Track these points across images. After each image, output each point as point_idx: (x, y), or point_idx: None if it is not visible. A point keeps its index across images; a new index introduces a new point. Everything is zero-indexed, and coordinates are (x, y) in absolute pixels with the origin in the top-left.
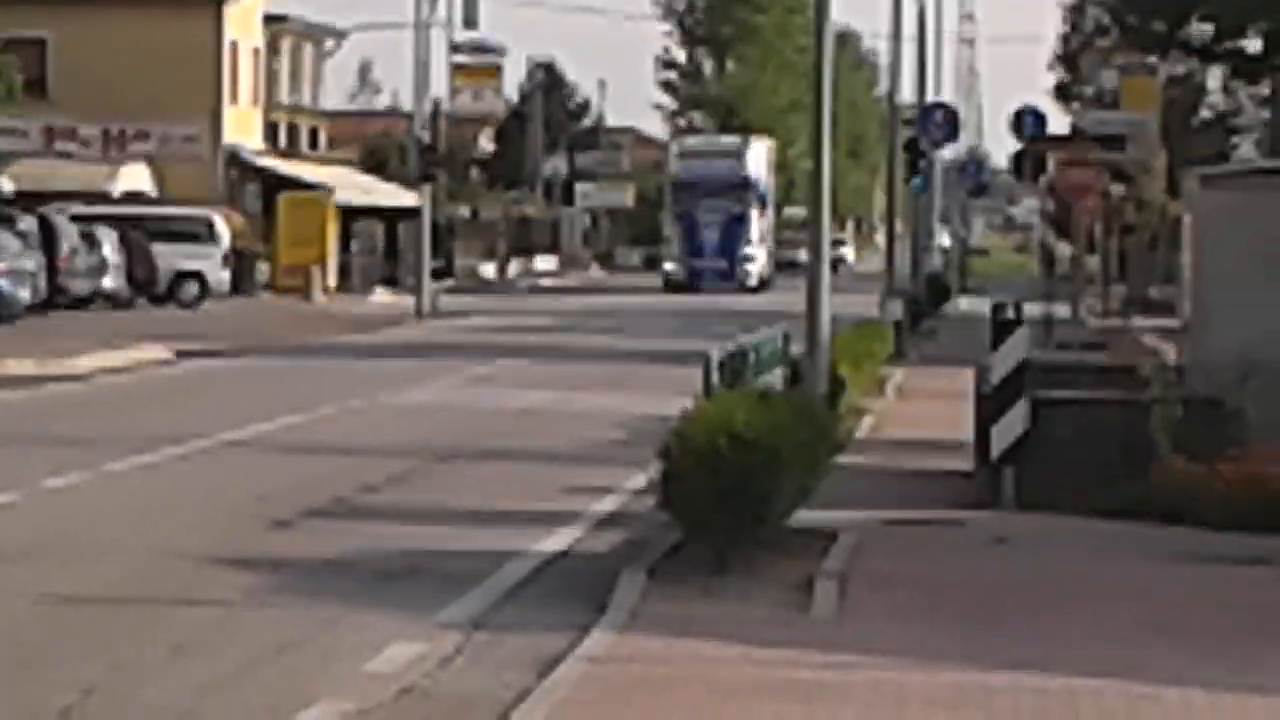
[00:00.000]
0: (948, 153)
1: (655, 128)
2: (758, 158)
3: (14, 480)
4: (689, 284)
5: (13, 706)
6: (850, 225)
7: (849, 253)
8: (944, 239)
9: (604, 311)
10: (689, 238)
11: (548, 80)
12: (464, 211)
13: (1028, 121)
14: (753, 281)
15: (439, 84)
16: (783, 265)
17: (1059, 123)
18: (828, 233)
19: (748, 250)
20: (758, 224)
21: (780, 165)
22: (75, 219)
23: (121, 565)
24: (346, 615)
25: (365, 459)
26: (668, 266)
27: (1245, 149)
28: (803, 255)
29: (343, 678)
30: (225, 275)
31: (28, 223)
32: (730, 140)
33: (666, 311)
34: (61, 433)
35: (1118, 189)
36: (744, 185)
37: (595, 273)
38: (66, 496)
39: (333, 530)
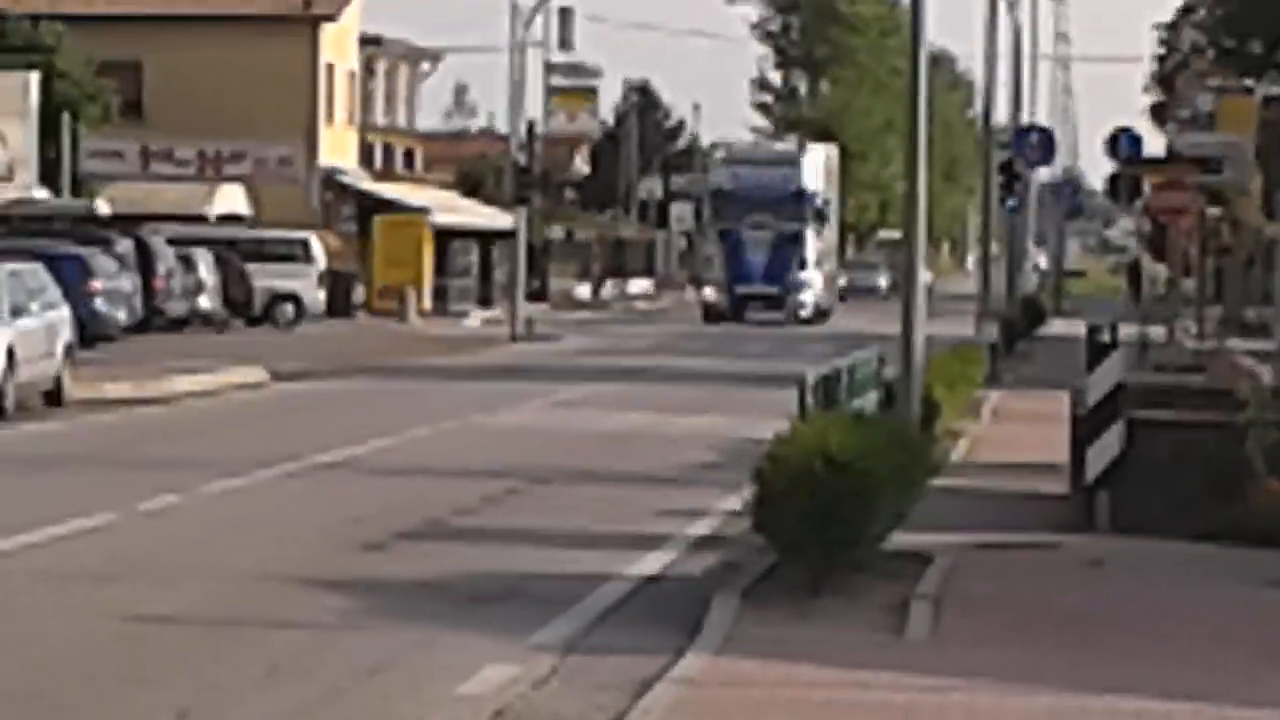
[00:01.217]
0: (1043, 174)
1: None
2: (816, 166)
3: (110, 502)
4: (731, 314)
5: None
6: (945, 248)
7: (927, 276)
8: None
9: (697, 334)
10: (732, 259)
11: (643, 102)
12: (559, 233)
13: (1123, 143)
14: (807, 311)
15: (534, 106)
16: (858, 289)
17: (1155, 144)
18: (922, 256)
19: (801, 275)
20: (814, 244)
21: (874, 186)
22: (171, 241)
23: (215, 587)
24: (439, 637)
25: (458, 481)
26: (707, 294)
27: None
28: (876, 279)
29: (435, 700)
30: (320, 297)
31: (124, 244)
32: (784, 146)
33: (757, 335)
34: (156, 455)
35: (1213, 211)
36: (799, 198)
37: (690, 295)
38: (161, 518)
39: (426, 552)
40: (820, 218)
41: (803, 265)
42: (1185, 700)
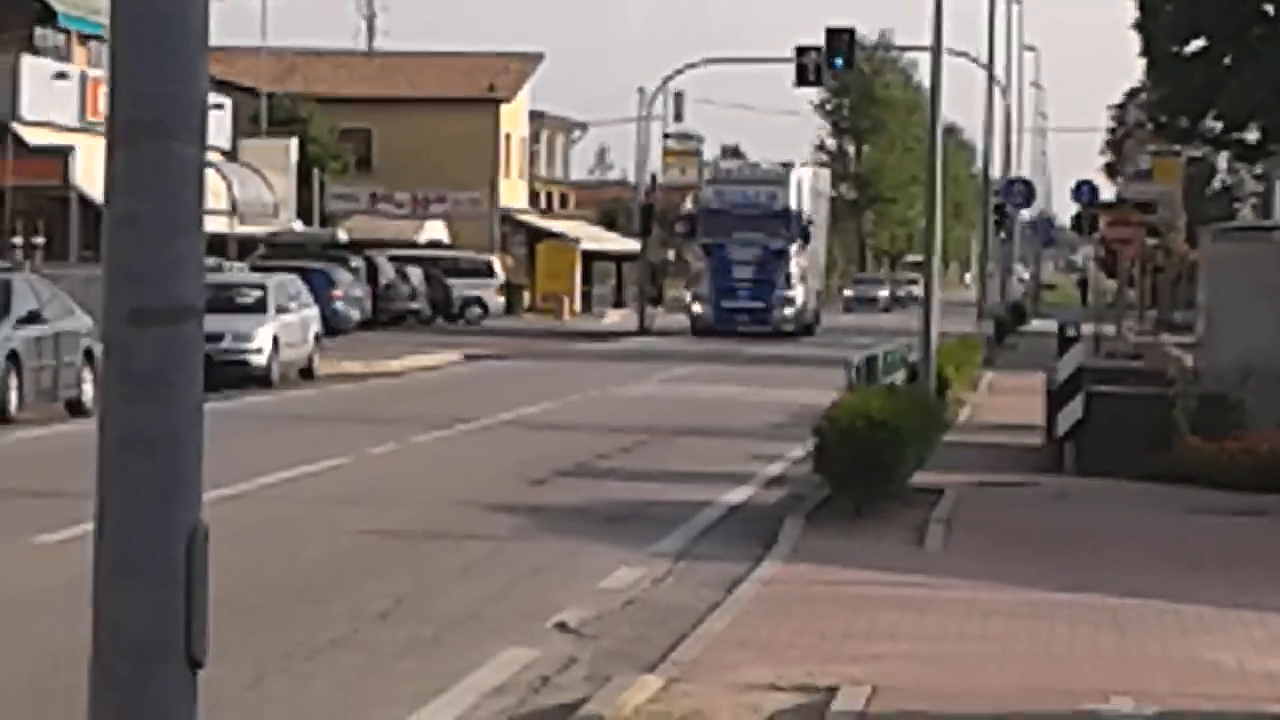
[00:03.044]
0: (1025, 214)
1: None
2: (801, 186)
3: (346, 448)
4: (719, 327)
5: (346, 608)
6: (953, 267)
7: (919, 290)
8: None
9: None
10: (719, 275)
11: (734, 159)
12: (671, 255)
13: (1084, 191)
14: (790, 325)
15: (655, 162)
16: (860, 301)
17: (1108, 192)
18: (939, 275)
19: (785, 291)
20: (797, 260)
21: (902, 223)
22: (392, 259)
23: (421, 510)
24: (584, 547)
25: (599, 434)
26: (695, 308)
27: (1245, 213)
28: (878, 292)
29: (582, 593)
30: (500, 300)
31: (357, 262)
32: (771, 166)
33: (831, 328)
34: (381, 414)
35: (1151, 241)
36: (784, 216)
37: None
38: (383, 460)
39: (575, 486)
40: (805, 235)
41: (787, 281)
42: (1131, 597)
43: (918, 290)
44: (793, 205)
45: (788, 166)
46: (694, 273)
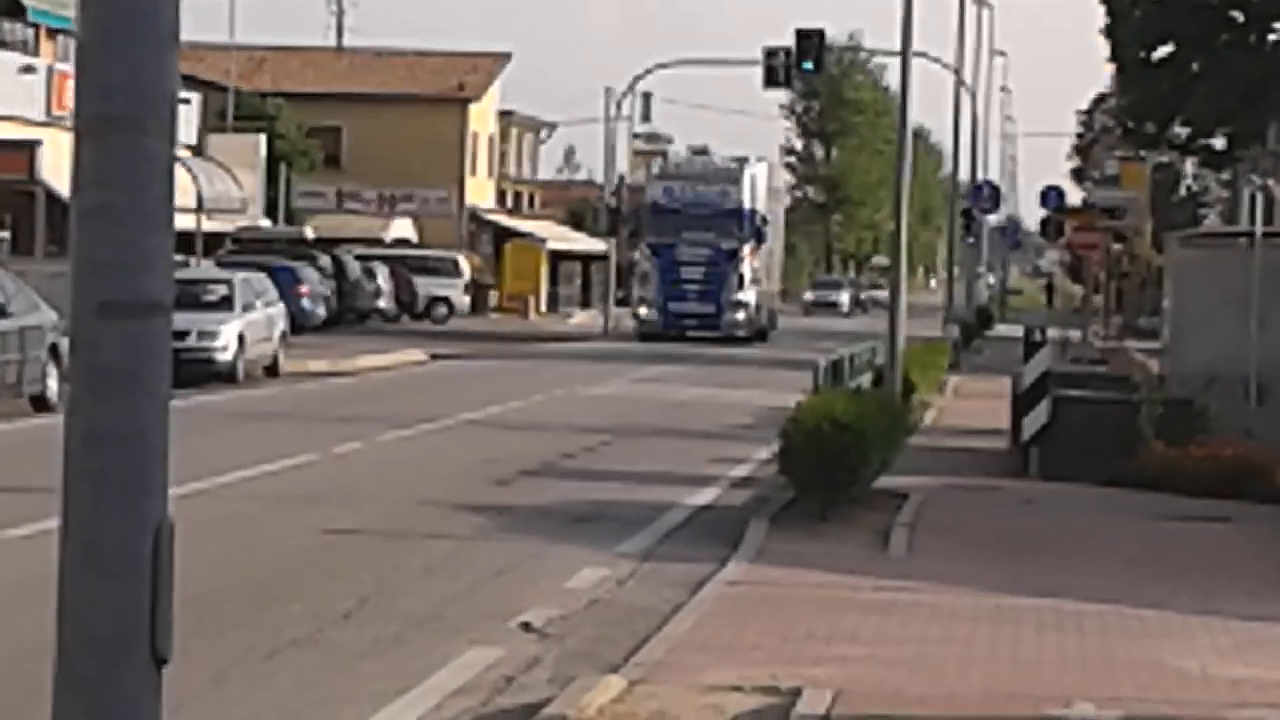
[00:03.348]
0: (993, 219)
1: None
2: (755, 183)
3: (311, 446)
4: (665, 332)
5: (309, 609)
6: (920, 271)
7: (883, 295)
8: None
9: None
10: (666, 276)
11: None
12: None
13: (1051, 196)
14: (741, 331)
15: (622, 162)
16: (820, 305)
17: (1075, 197)
18: (904, 278)
19: (738, 295)
20: (750, 261)
21: (869, 226)
22: (358, 258)
23: (385, 509)
24: (549, 547)
25: (565, 434)
26: (641, 311)
27: (1211, 219)
28: (836, 296)
29: (548, 592)
30: (466, 300)
31: (324, 260)
32: (723, 162)
33: (790, 330)
34: (346, 412)
35: (1117, 246)
36: (736, 215)
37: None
38: (348, 459)
39: (540, 486)
40: (758, 236)
41: (739, 283)
42: (1095, 602)
43: (880, 294)
44: (746, 203)
45: (741, 162)
46: (640, 274)
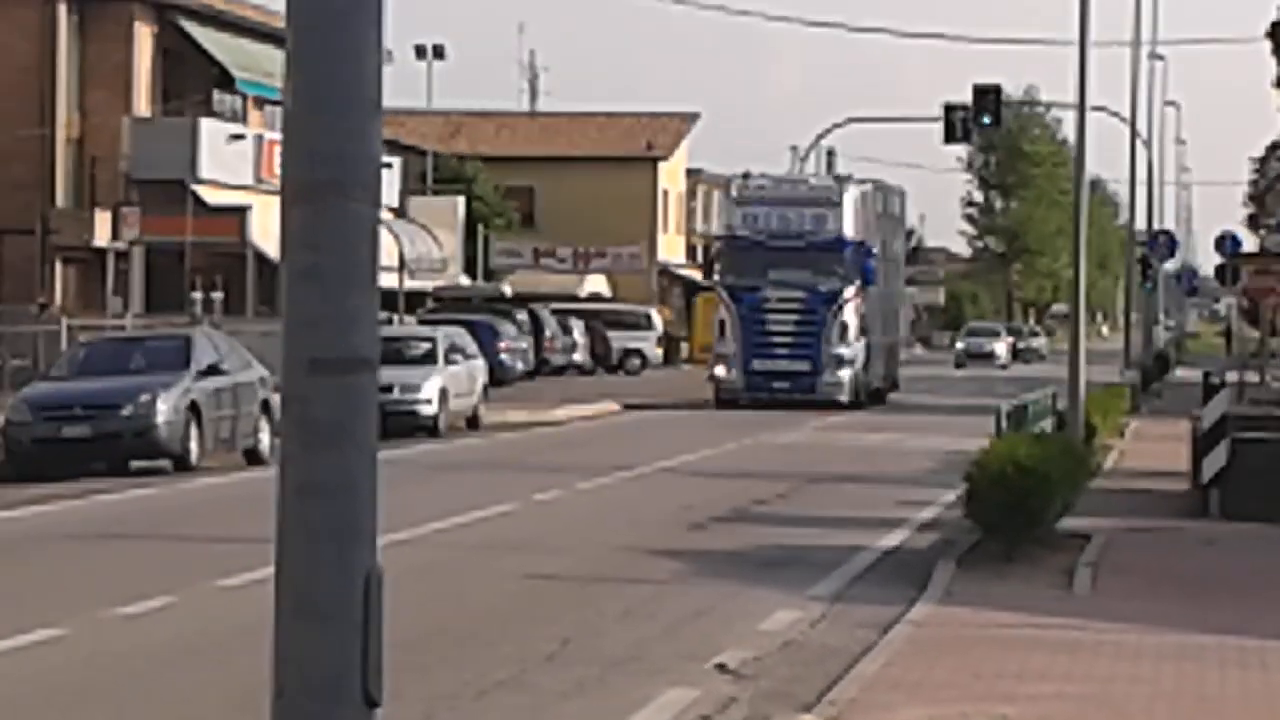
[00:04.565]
0: (1169, 265)
1: (960, 246)
2: (861, 207)
3: (512, 495)
4: (748, 396)
5: (513, 650)
6: (1098, 318)
7: (1041, 344)
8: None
9: (924, 378)
10: (749, 327)
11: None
12: None
13: (1228, 243)
14: (844, 395)
15: None
16: (974, 356)
17: (1250, 243)
18: (1084, 326)
19: (840, 350)
20: (856, 307)
21: (1049, 274)
22: (554, 313)
23: (585, 555)
24: (743, 591)
25: (755, 481)
26: (718, 372)
27: None
28: (991, 346)
29: (742, 634)
30: (658, 352)
31: (522, 316)
32: (819, 181)
33: (965, 378)
34: (545, 461)
35: None
36: (835, 248)
37: (919, 350)
38: (548, 506)
39: (733, 531)
40: (865, 275)
41: (842, 336)
42: (1274, 639)
43: (1038, 343)
44: (848, 233)
45: (840, 181)
46: (717, 323)
